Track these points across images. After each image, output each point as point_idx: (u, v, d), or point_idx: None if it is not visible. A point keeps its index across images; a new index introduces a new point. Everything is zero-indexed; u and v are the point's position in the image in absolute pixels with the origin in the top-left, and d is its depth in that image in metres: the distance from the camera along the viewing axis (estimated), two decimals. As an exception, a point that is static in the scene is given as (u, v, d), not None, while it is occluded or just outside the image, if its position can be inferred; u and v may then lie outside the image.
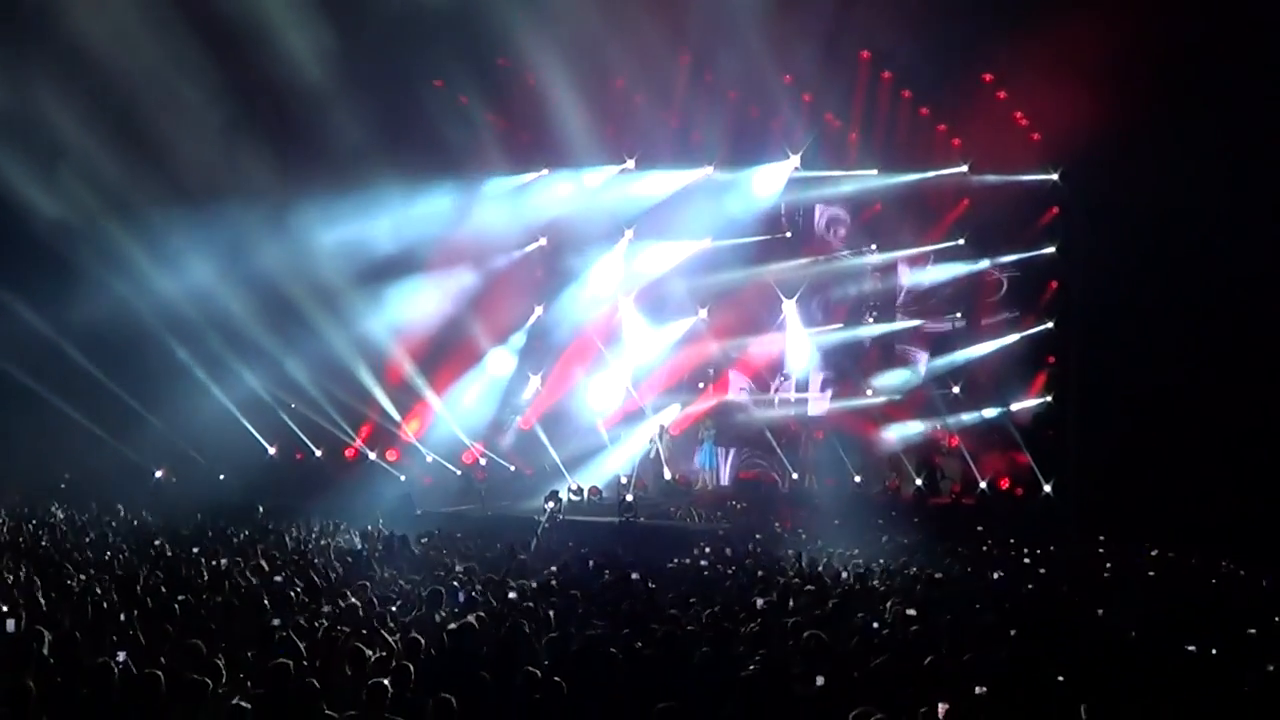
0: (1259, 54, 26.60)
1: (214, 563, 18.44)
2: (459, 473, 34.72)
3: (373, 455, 35.25)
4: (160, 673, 11.18)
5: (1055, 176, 31.91)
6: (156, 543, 21.47)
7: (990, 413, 33.53)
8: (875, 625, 14.42)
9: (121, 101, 28.74)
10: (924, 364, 34.95)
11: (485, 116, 34.05)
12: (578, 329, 35.49)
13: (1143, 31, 25.91)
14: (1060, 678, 11.95)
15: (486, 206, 34.21)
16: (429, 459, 35.13)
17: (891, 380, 34.95)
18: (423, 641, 13.01)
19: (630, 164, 34.56)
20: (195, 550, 20.23)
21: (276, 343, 32.84)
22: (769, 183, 34.20)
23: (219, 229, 31.11)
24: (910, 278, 35.49)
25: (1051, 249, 32.60)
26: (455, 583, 16.66)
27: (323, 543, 23.01)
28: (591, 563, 19.43)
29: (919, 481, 32.94)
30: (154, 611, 14.54)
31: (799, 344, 35.32)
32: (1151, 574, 20.04)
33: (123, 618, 14.08)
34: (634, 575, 17.41)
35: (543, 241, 35.38)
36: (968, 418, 33.91)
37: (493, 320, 35.12)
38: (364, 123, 30.52)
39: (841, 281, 35.59)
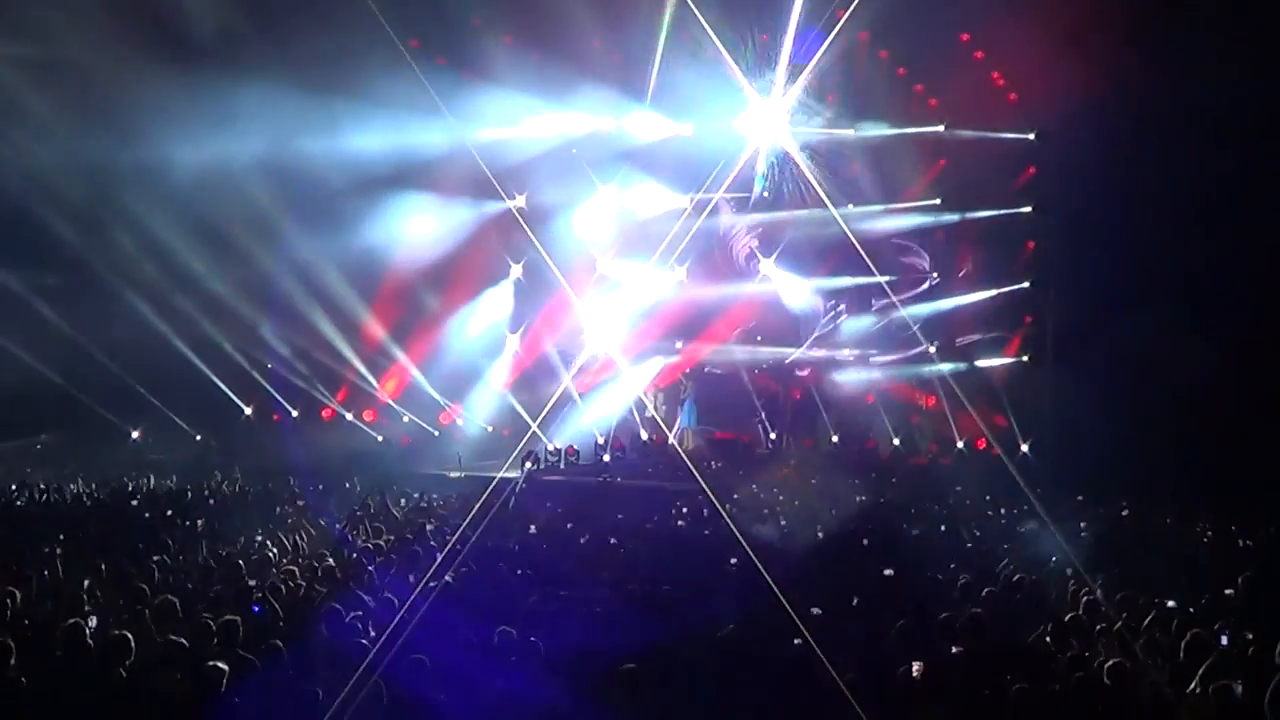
0: (1233, 12, 26.64)
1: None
2: (436, 433, 34.66)
3: (349, 416, 35.19)
4: (130, 635, 11.07)
5: (1032, 136, 31.73)
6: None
7: (966, 371, 33.67)
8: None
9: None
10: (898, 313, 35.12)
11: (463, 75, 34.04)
12: (555, 286, 35.43)
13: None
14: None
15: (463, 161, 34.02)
16: (405, 419, 35.05)
17: (863, 327, 35.08)
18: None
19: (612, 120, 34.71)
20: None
21: (250, 303, 32.73)
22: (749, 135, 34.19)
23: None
24: (887, 230, 35.62)
25: (1028, 209, 32.56)
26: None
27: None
28: (569, 524, 19.37)
29: (896, 441, 33.10)
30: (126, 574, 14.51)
31: (793, 289, 35.36)
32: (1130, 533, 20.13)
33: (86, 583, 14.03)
34: (612, 540, 17.37)
35: (521, 201, 35.25)
36: (945, 374, 34.03)
37: (469, 276, 34.91)
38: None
39: (817, 236, 35.63)
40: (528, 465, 28.74)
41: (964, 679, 11.13)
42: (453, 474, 31.25)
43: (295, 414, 35.44)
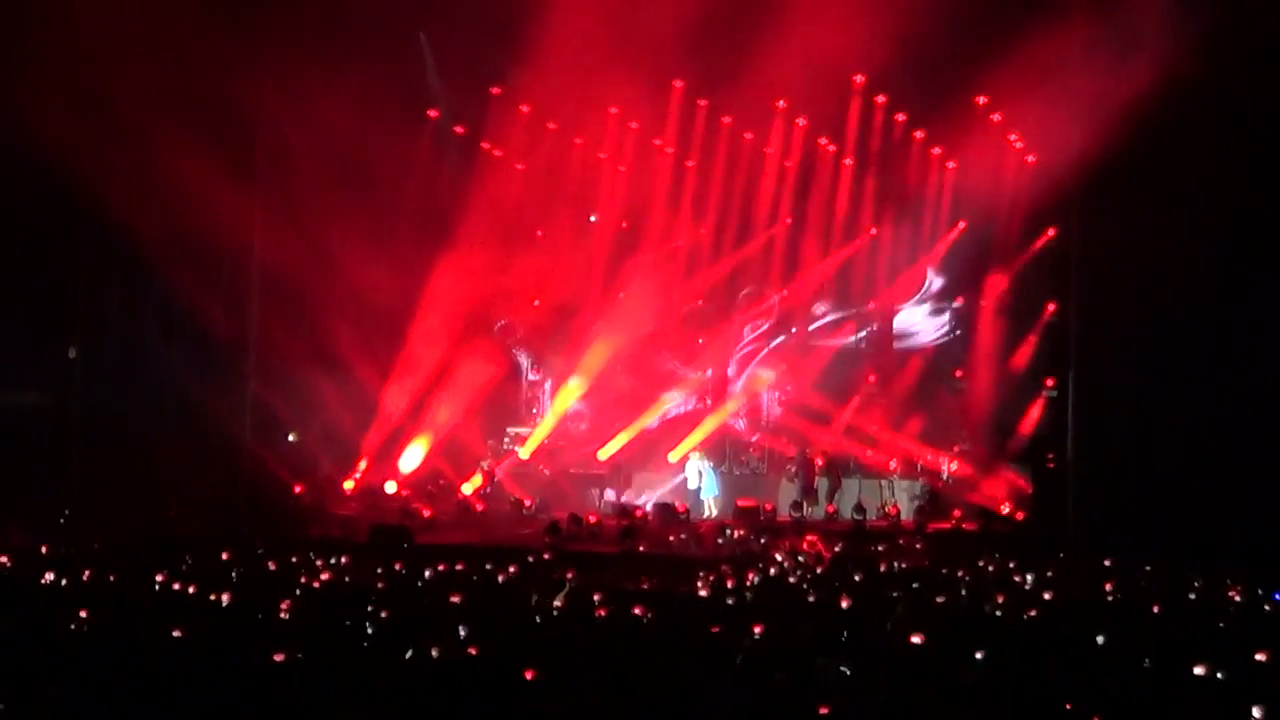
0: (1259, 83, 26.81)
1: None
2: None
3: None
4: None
5: (1051, 199, 31.84)
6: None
7: (991, 436, 33.85)
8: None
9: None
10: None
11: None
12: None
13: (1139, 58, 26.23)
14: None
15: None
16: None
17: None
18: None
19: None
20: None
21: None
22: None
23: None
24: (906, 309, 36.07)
25: (1053, 267, 32.74)
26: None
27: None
28: (596, 596, 19.40)
29: (920, 503, 33.14)
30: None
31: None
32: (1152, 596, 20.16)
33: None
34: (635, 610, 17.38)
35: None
36: (969, 443, 34.24)
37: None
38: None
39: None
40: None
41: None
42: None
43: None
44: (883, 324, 36.75)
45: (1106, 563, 23.34)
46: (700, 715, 12.03)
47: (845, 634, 15.55)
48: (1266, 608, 18.89)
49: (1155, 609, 18.06)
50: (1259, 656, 14.27)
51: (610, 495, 34.04)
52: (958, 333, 36.28)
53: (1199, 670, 13.44)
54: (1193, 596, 20.20)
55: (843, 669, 13.20)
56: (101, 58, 27.53)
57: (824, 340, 36.80)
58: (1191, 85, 25.71)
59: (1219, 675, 13.48)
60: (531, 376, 37.42)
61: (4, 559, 20.96)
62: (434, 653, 13.80)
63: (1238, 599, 19.53)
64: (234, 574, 19.88)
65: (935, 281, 36.67)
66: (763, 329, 37.15)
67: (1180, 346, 27.91)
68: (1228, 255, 27.23)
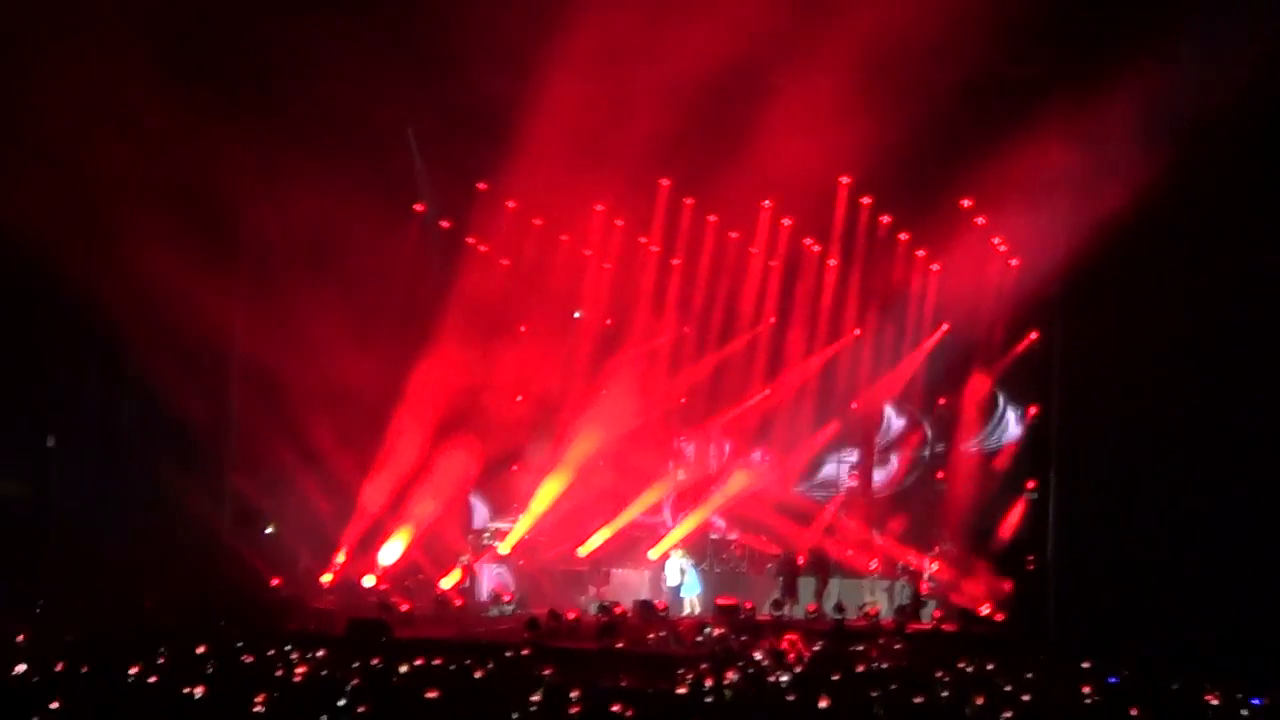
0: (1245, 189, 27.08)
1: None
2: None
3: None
4: None
5: (1034, 303, 32.01)
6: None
7: (971, 536, 33.92)
8: None
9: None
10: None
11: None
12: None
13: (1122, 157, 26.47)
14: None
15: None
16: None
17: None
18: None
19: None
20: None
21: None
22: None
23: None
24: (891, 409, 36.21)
25: (1035, 369, 32.89)
26: None
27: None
28: (574, 693, 19.31)
29: (901, 604, 33.14)
30: None
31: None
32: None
33: None
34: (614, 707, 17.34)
35: None
36: (949, 543, 34.27)
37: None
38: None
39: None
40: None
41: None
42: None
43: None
44: (865, 424, 36.83)
45: (1085, 665, 23.32)
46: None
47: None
48: (1244, 713, 18.90)
49: (1133, 712, 18.07)
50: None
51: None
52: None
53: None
54: (1171, 701, 20.20)
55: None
56: (82, 145, 27.68)
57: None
58: (1166, 203, 25.96)
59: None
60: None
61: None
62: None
63: (1215, 704, 19.55)
64: (209, 667, 19.76)
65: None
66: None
67: (1160, 451, 27.99)
68: (1208, 363, 27.38)
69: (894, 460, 37.34)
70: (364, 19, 28.67)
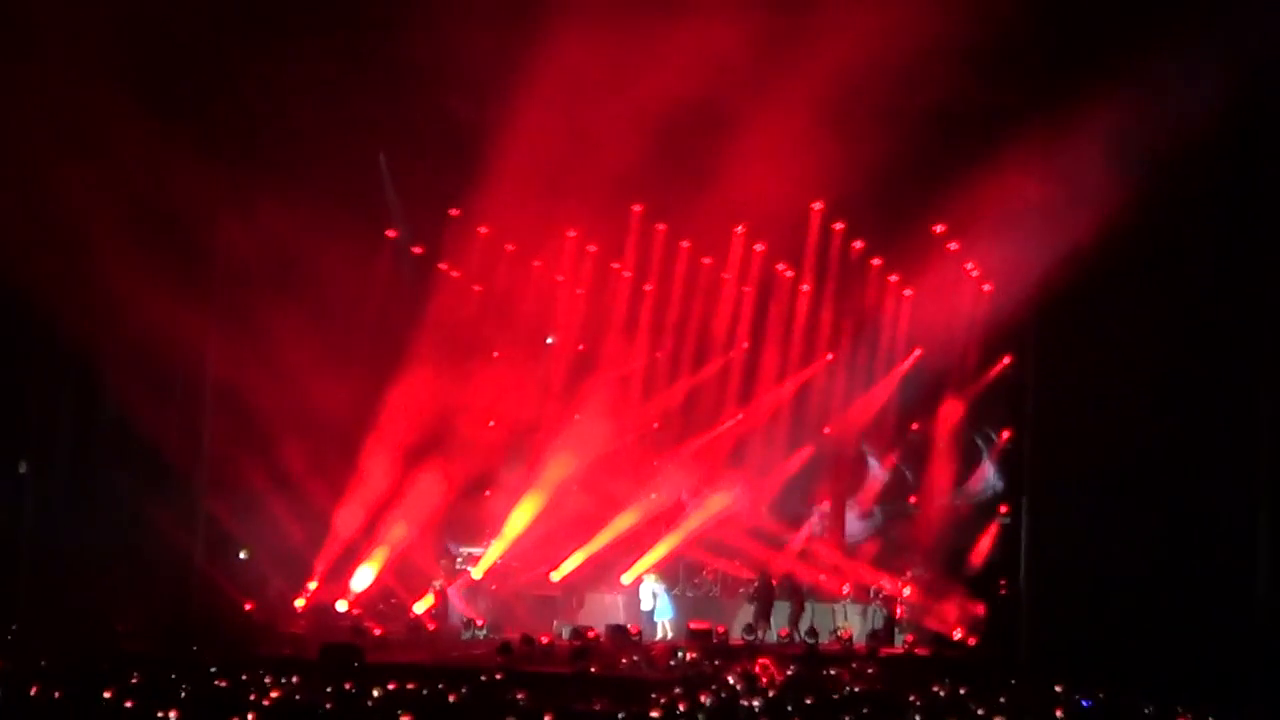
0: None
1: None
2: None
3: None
4: None
5: (1007, 327, 32.10)
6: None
7: (944, 561, 34.01)
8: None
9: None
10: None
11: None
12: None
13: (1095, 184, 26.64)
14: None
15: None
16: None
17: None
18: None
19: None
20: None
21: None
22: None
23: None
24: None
25: (1008, 395, 33.02)
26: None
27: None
28: (547, 717, 19.34)
29: (874, 628, 33.24)
30: None
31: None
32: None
33: None
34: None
35: None
36: (922, 568, 34.35)
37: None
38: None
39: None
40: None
41: None
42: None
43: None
44: (839, 448, 36.89)
45: (1058, 689, 23.40)
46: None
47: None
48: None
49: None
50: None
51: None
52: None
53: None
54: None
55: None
56: (55, 171, 27.70)
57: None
58: (1137, 230, 26.14)
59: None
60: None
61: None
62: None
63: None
64: (183, 691, 19.76)
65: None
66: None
67: (1133, 476, 28.10)
68: (1180, 389, 27.52)
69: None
70: (337, 45, 28.74)
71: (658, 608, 34.22)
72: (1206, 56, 25.44)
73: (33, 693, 18.90)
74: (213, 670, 23.07)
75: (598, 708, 20.52)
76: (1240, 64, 24.98)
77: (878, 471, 37.19)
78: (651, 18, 26.31)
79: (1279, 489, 27.61)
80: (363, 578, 34.60)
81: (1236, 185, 27.20)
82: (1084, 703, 21.94)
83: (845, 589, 34.71)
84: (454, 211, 34.14)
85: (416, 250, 35.38)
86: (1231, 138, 26.13)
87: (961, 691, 22.65)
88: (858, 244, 34.50)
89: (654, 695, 21.59)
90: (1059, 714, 20.76)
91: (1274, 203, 27.37)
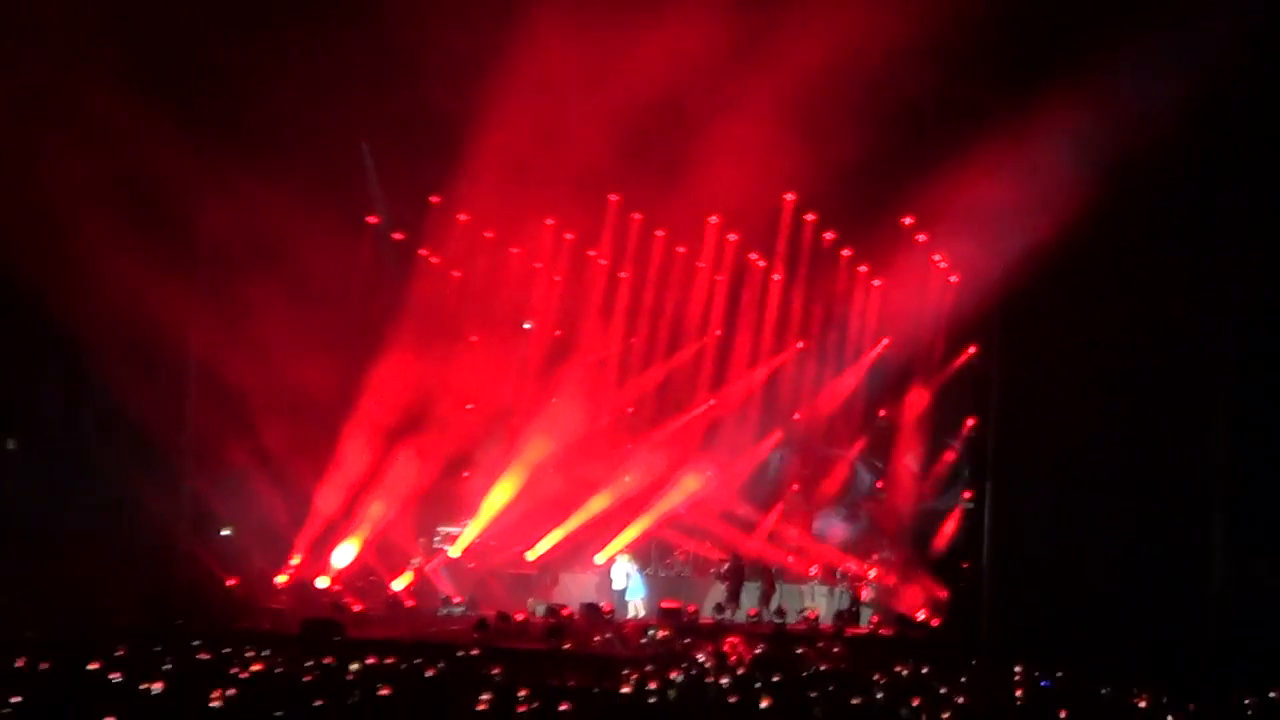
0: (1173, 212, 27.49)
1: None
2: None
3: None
4: None
5: (973, 318, 32.25)
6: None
7: (909, 545, 34.14)
8: None
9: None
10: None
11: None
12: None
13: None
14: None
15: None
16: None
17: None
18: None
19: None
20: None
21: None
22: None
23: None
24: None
25: (972, 384, 33.16)
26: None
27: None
28: (522, 692, 19.41)
29: (841, 609, 33.37)
30: None
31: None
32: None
33: None
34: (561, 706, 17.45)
35: None
36: (888, 551, 34.49)
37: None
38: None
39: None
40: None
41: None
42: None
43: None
44: (808, 434, 36.98)
45: (1017, 669, 23.53)
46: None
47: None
48: (1169, 717, 19.14)
49: (1063, 715, 18.28)
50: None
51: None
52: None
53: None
54: (1100, 704, 20.42)
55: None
56: (43, 155, 27.64)
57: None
58: (1099, 226, 26.30)
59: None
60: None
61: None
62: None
63: (1143, 707, 19.79)
64: (166, 664, 19.79)
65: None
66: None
67: (1094, 464, 28.31)
68: (1140, 379, 27.73)
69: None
70: (320, 33, 28.66)
71: (630, 587, 34.29)
72: (1167, 59, 25.59)
73: (19, 664, 18.94)
74: (196, 644, 23.11)
75: (571, 683, 20.58)
76: (1200, 67, 25.09)
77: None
78: (628, 15, 26.33)
79: (1233, 477, 27.85)
80: (343, 555, 34.62)
81: (1196, 185, 27.43)
82: (1043, 683, 22.03)
83: (813, 570, 34.81)
84: (434, 199, 34.19)
85: (397, 236, 35.38)
86: (1191, 139, 26.26)
87: (924, 671, 22.76)
88: (828, 235, 34.60)
89: (625, 672, 21.64)
90: (1019, 694, 20.87)
91: (1230, 202, 27.61)
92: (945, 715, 18.24)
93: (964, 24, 24.59)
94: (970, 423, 33.21)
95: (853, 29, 25.29)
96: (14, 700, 15.71)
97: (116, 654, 20.37)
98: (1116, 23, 26.03)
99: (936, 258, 33.09)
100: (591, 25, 26.40)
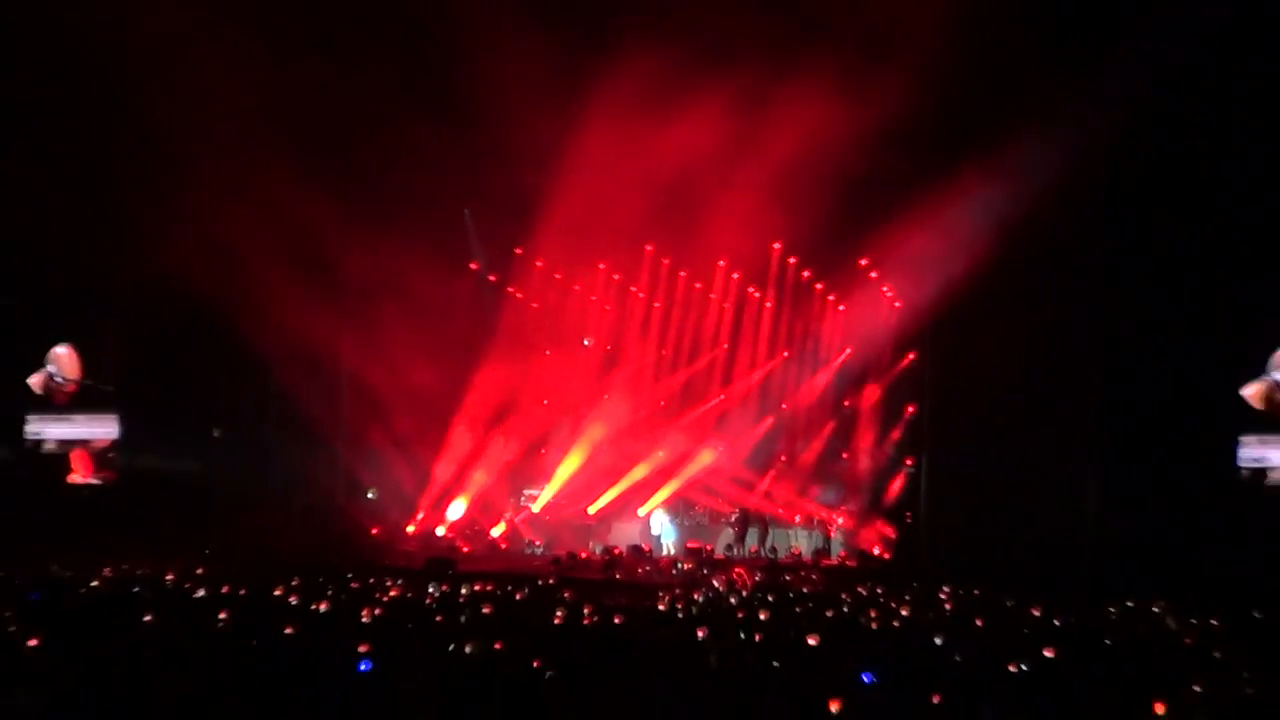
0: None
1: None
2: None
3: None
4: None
5: (911, 333, 32.33)
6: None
7: (867, 499, 34.18)
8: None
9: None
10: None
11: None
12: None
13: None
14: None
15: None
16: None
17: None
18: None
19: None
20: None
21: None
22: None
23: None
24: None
25: (912, 381, 33.16)
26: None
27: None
28: (587, 609, 19.53)
29: (817, 547, 33.42)
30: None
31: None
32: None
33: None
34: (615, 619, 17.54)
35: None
36: (852, 504, 34.52)
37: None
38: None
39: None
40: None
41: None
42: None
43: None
44: (792, 419, 36.93)
45: (945, 589, 23.56)
46: (658, 689, 12.24)
47: (761, 637, 15.74)
48: (1056, 622, 19.14)
49: (978, 622, 18.31)
50: (1047, 653, 14.58)
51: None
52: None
53: (1011, 668, 13.71)
54: (1006, 613, 20.42)
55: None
56: (235, 222, 27.82)
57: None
58: (1002, 266, 26.34)
59: (1024, 667, 13.76)
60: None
61: (171, 577, 21.10)
62: (469, 649, 13.95)
63: (1037, 614, 19.79)
64: (329, 590, 19.97)
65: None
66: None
67: (1000, 438, 28.35)
68: (1034, 374, 27.79)
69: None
70: (436, 130, 28.87)
71: (664, 532, 34.43)
72: (1051, 146, 25.54)
73: (224, 591, 19.17)
74: (349, 575, 23.29)
75: (622, 602, 20.68)
76: (1077, 149, 25.09)
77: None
78: (658, 118, 26.38)
79: (1103, 448, 27.92)
80: (455, 511, 34.78)
81: (1072, 237, 27.47)
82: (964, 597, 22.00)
83: (797, 519, 34.81)
84: (518, 250, 34.29)
85: (491, 278, 35.49)
86: (1069, 204, 26.27)
87: (879, 591, 22.84)
88: (806, 273, 34.59)
89: (660, 594, 21.77)
90: (947, 607, 20.91)
91: (1098, 249, 27.74)
92: (894, 623, 18.30)
93: (902, 117, 24.57)
94: (910, 409, 33.11)
95: (820, 125, 25.25)
96: (222, 616, 15.92)
97: (293, 583, 20.55)
98: (1016, 114, 26.02)
99: (885, 289, 33.06)
100: (632, 124, 26.47)
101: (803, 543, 33.90)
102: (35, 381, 35.09)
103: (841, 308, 35.17)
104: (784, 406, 36.63)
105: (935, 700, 12.04)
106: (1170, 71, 24.31)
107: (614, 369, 36.73)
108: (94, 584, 20.34)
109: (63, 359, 35.12)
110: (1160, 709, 11.60)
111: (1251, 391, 28.40)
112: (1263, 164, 26.28)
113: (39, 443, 35.24)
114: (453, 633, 15.15)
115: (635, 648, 14.45)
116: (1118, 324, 27.82)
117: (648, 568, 30.09)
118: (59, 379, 35.17)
